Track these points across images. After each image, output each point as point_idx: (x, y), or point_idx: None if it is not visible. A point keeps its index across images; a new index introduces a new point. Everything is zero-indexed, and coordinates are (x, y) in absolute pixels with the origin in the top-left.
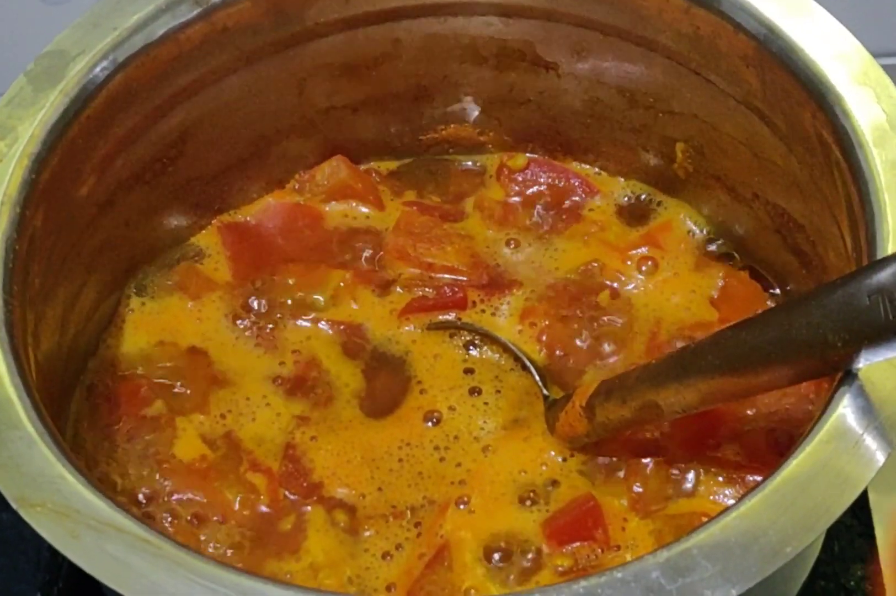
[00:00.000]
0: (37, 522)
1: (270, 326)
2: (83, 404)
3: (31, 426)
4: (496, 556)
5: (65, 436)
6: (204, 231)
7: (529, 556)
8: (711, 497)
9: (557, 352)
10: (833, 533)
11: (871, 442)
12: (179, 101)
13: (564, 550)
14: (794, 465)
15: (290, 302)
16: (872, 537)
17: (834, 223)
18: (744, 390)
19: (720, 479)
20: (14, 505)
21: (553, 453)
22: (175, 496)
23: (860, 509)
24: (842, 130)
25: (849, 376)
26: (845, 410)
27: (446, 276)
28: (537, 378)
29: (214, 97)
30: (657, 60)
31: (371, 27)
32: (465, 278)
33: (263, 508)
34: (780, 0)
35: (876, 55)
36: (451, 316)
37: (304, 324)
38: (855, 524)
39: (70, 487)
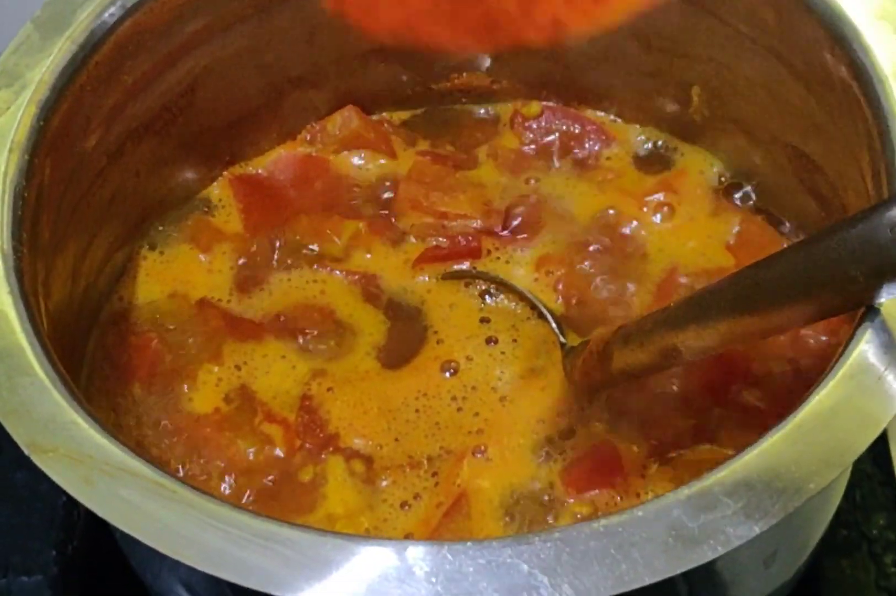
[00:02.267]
0: (49, 468)
1: (284, 276)
2: (95, 358)
3: (42, 372)
4: (514, 504)
5: (79, 388)
6: (215, 183)
7: (548, 503)
8: (732, 443)
9: (574, 299)
10: (854, 481)
11: (893, 378)
12: (189, 49)
13: (583, 498)
14: (816, 401)
15: (302, 253)
16: (894, 486)
17: (854, 164)
18: (764, 330)
19: (741, 424)
20: (26, 450)
21: (571, 402)
22: (190, 448)
23: (882, 458)
24: (861, 66)
25: (871, 312)
26: (867, 345)
27: (460, 224)
28: (554, 326)
29: (224, 46)
30: (672, 2)
31: None
32: (479, 227)
33: (280, 458)
34: None
35: None
36: (465, 265)
37: (318, 274)
38: (876, 473)
39: (83, 433)
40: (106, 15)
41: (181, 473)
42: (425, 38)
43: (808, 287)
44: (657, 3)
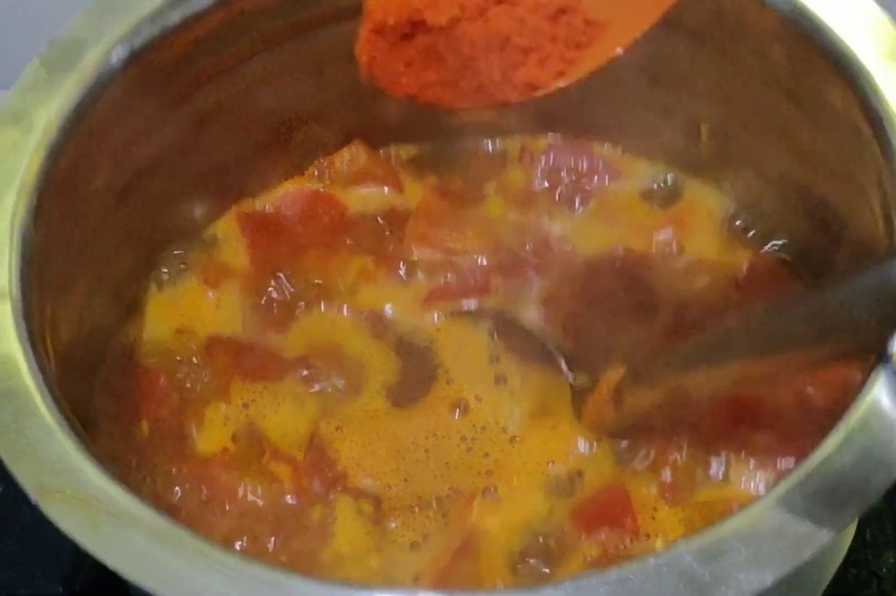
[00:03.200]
0: (55, 512)
1: (291, 313)
2: (102, 396)
3: (49, 415)
4: (524, 545)
5: (86, 427)
6: (222, 219)
7: (557, 544)
8: (742, 484)
9: (582, 337)
10: (865, 520)
11: None
12: (197, 87)
13: (593, 539)
14: (829, 448)
15: (310, 289)
16: None
17: (864, 202)
18: (775, 374)
19: (751, 465)
20: (31, 494)
21: (581, 441)
22: (197, 488)
23: (892, 496)
24: (871, 107)
25: (883, 358)
26: (880, 391)
27: (468, 261)
28: (563, 365)
29: (232, 83)
30: (680, 39)
31: None
32: (487, 263)
33: (288, 499)
34: None
35: None
36: (474, 302)
37: (326, 311)
38: (887, 510)
39: (89, 476)
40: (114, 55)
41: (188, 513)
42: (434, 100)
43: (821, 332)
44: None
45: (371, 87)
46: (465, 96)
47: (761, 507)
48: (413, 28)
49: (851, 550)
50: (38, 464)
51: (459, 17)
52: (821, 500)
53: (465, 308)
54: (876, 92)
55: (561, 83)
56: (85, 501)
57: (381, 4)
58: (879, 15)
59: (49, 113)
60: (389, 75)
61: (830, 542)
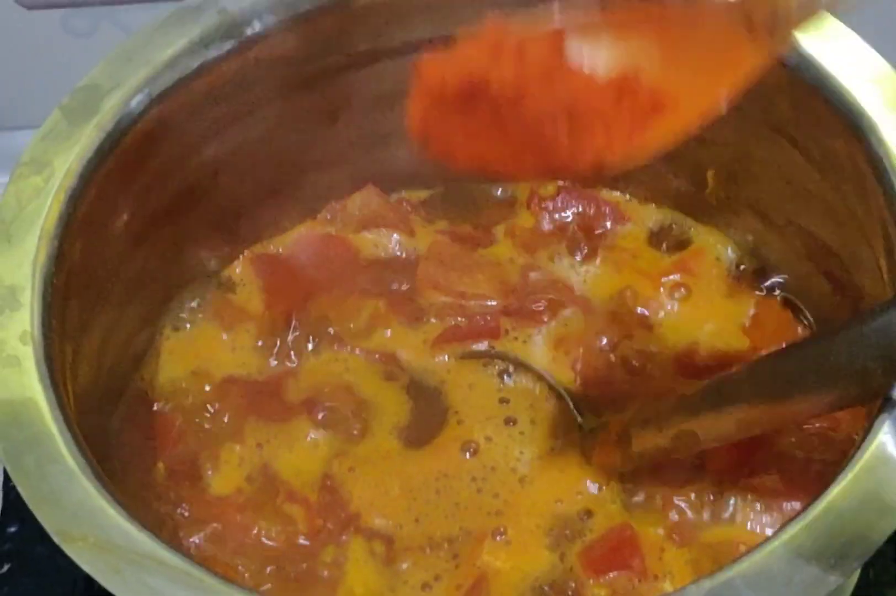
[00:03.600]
0: (78, 556)
1: (304, 355)
2: (120, 438)
3: (71, 460)
4: (533, 586)
5: (103, 468)
6: (236, 262)
7: (567, 586)
8: (749, 525)
9: (591, 380)
10: (868, 559)
11: None
12: (213, 133)
13: (602, 580)
14: (836, 492)
15: (324, 331)
16: None
17: (869, 249)
18: (781, 419)
19: (758, 507)
20: (56, 539)
21: (589, 483)
22: (213, 530)
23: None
24: (875, 157)
25: (888, 403)
26: (886, 436)
27: (478, 304)
28: (572, 407)
29: (248, 129)
30: None
31: (401, 58)
32: (497, 306)
33: (302, 539)
34: (811, 26)
35: None
36: (484, 344)
37: (339, 353)
38: (889, 550)
39: (111, 521)
40: (132, 103)
41: (205, 555)
42: (492, 174)
43: (826, 379)
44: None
45: (428, 159)
46: (529, 169)
47: (769, 550)
48: (473, 95)
49: (856, 588)
50: (61, 509)
51: (525, 82)
52: (828, 544)
53: (476, 350)
54: (881, 142)
55: (632, 156)
56: (107, 546)
57: (437, 65)
58: (884, 67)
59: (69, 159)
60: (446, 147)
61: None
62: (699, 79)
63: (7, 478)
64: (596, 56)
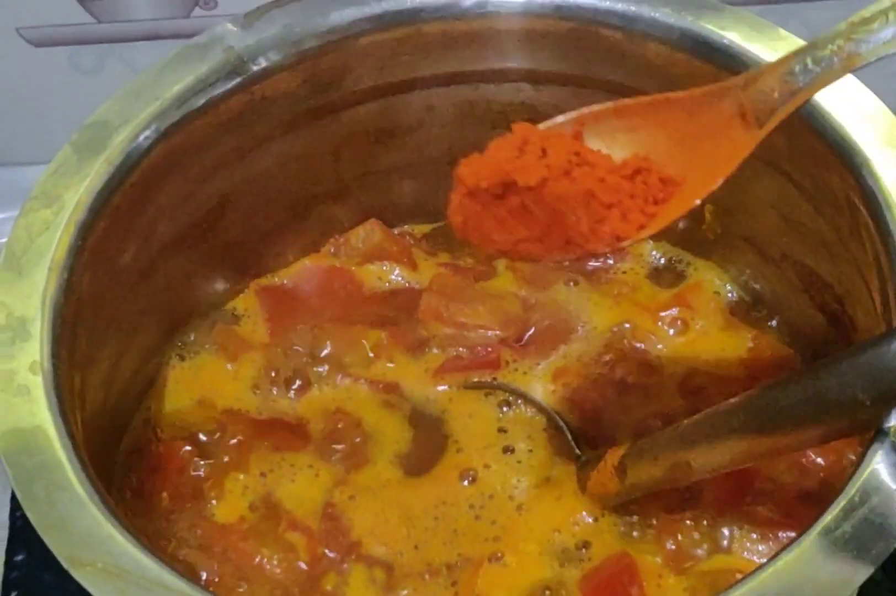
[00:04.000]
0: (87, 582)
1: (307, 385)
2: (126, 466)
3: (80, 487)
4: None
5: (109, 495)
6: (242, 294)
7: None
8: (745, 554)
9: (589, 411)
10: (862, 590)
11: None
12: (219, 168)
13: None
14: (829, 519)
15: (326, 362)
16: None
17: (863, 283)
18: (774, 450)
19: (754, 536)
20: (65, 565)
21: (585, 513)
22: (217, 558)
23: (890, 565)
24: (869, 192)
25: (880, 434)
26: (878, 465)
27: (480, 335)
28: (570, 438)
29: (253, 164)
30: None
31: (405, 94)
32: (498, 338)
33: (303, 567)
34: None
35: None
36: (485, 375)
37: (342, 384)
38: (884, 580)
39: (120, 547)
40: (141, 138)
41: (210, 582)
42: (526, 255)
43: (818, 410)
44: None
45: (465, 243)
46: (555, 250)
47: (763, 579)
48: (504, 189)
49: None
50: (70, 536)
51: (547, 177)
52: (821, 570)
53: (476, 381)
54: (874, 176)
55: (644, 234)
56: (116, 571)
57: (474, 170)
58: (878, 104)
59: (79, 193)
60: (482, 233)
61: None
62: (702, 161)
63: (13, 506)
64: (611, 143)
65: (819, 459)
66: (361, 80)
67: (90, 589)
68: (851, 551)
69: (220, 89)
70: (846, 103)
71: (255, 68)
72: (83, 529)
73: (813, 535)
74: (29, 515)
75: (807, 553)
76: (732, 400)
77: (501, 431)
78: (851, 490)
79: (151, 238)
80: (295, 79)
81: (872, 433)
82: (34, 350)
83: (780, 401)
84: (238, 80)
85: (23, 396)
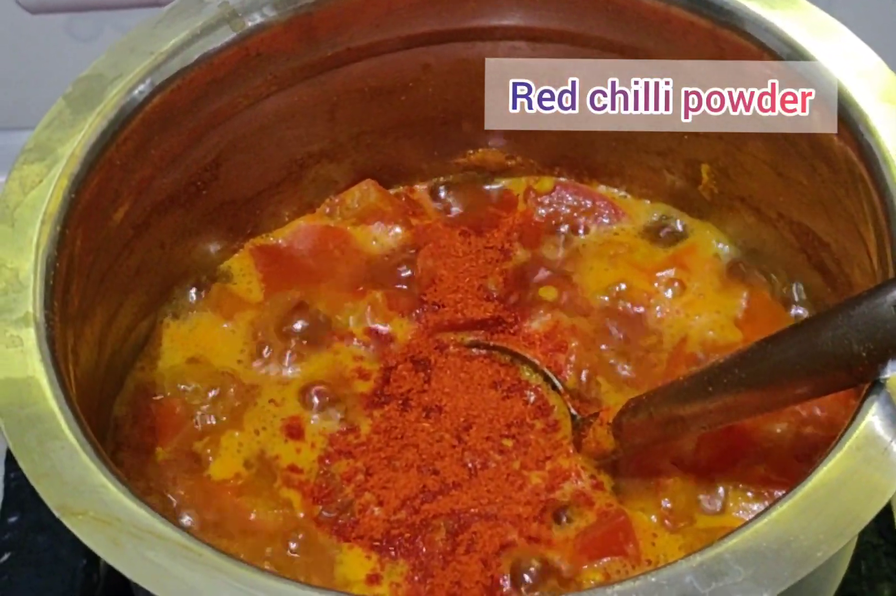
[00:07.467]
0: (79, 530)
1: (302, 344)
2: (120, 423)
3: (72, 437)
4: (527, 571)
5: (105, 452)
6: (237, 254)
7: (561, 571)
8: (740, 513)
9: (584, 371)
10: (860, 553)
11: None
12: (214, 124)
13: (596, 566)
14: (824, 472)
15: (321, 321)
16: None
17: (859, 241)
18: (770, 404)
19: (749, 494)
20: (56, 513)
21: (581, 471)
22: (211, 513)
23: (887, 530)
24: (866, 147)
25: (876, 386)
26: (873, 418)
27: (476, 296)
28: (566, 398)
29: (248, 121)
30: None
31: (401, 52)
32: (494, 298)
33: (298, 522)
34: (803, 20)
35: None
36: (480, 336)
37: (337, 343)
38: (882, 544)
39: (111, 496)
40: (135, 92)
41: (201, 535)
42: None
43: (814, 363)
44: None
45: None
46: None
47: (758, 528)
48: None
49: (848, 581)
50: (62, 485)
51: None
52: (816, 521)
53: (473, 341)
54: (871, 133)
55: None
56: (107, 519)
57: None
58: (874, 58)
59: (73, 146)
60: None
61: (825, 563)
62: None
63: (8, 468)
64: None
65: (812, 414)
66: (357, 37)
67: (82, 537)
68: (846, 503)
69: (214, 44)
70: (843, 59)
71: (249, 24)
72: (75, 477)
73: (807, 486)
74: (21, 464)
75: (801, 504)
76: (728, 355)
77: (498, 391)
78: (846, 443)
79: (145, 194)
80: (290, 35)
81: (868, 386)
82: (27, 301)
83: (776, 355)
84: (233, 35)
85: (15, 347)
